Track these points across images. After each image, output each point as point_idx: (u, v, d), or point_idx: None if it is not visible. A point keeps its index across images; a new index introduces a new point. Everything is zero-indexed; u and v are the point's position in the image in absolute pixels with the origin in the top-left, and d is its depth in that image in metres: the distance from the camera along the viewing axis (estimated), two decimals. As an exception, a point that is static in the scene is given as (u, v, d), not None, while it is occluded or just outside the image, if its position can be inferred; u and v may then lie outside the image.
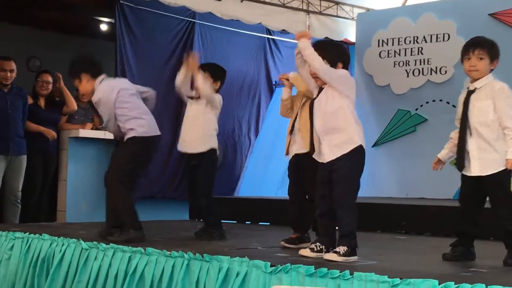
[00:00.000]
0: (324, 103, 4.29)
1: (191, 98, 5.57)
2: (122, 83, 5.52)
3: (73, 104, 7.80)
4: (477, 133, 4.18)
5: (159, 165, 8.54)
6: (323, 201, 4.28)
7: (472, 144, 4.19)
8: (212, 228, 5.47)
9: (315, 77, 4.33)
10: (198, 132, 5.49)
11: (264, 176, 9.58)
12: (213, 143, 5.52)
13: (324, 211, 4.28)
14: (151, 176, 8.44)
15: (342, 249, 4.10)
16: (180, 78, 5.54)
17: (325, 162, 4.28)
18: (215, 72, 5.65)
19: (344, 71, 4.36)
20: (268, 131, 9.61)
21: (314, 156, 4.48)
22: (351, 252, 4.11)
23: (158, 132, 5.42)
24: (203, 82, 5.43)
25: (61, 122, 7.84)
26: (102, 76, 5.38)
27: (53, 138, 7.58)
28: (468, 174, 4.23)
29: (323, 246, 4.25)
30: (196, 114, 5.51)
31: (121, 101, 5.28)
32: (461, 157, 4.25)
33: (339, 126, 4.24)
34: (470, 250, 4.30)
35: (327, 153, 4.26)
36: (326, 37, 4.56)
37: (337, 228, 4.30)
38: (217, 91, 5.64)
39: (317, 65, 4.24)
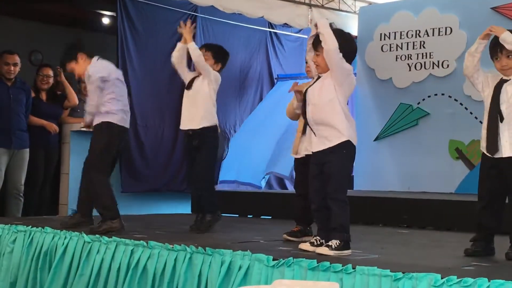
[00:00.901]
0: (317, 92, 4.26)
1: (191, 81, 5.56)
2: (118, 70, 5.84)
3: (74, 98, 7.80)
4: (508, 119, 4.12)
5: (163, 159, 8.56)
6: (317, 196, 4.27)
7: (504, 129, 4.13)
8: (206, 213, 5.46)
9: (316, 65, 4.31)
10: (198, 108, 5.49)
11: (247, 162, 9.55)
12: (214, 119, 5.53)
13: (319, 206, 4.27)
14: (155, 169, 8.46)
15: (334, 243, 4.09)
16: (175, 52, 5.61)
17: (314, 151, 4.27)
18: (217, 52, 5.66)
19: (350, 66, 4.33)
20: (258, 118, 9.59)
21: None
22: (343, 246, 4.10)
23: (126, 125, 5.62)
24: (195, 47, 5.46)
25: (63, 115, 7.85)
26: (97, 57, 5.64)
27: (55, 131, 7.59)
28: (498, 156, 4.14)
29: (323, 240, 4.25)
30: (195, 91, 5.53)
31: (116, 83, 5.55)
32: (493, 141, 4.14)
33: (328, 118, 4.21)
34: (490, 246, 4.26)
35: (316, 142, 4.26)
36: (331, 23, 4.42)
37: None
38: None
39: (331, 43, 4.15)
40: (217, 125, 5.57)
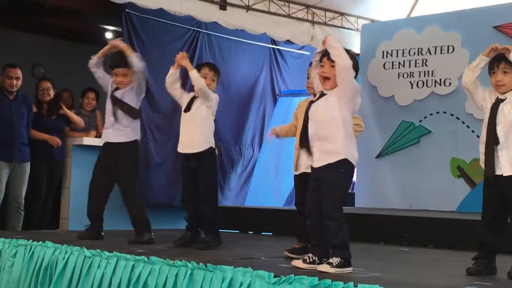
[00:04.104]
0: (321, 108, 4.26)
1: (191, 101, 5.57)
2: None
3: (80, 123, 7.84)
4: (505, 138, 4.15)
5: (163, 174, 8.54)
6: (313, 212, 4.25)
7: (502, 149, 4.15)
8: (210, 235, 5.45)
9: (326, 77, 4.28)
10: (197, 131, 5.49)
11: (271, 188, 9.59)
12: (211, 141, 5.54)
13: (315, 222, 4.25)
14: (154, 185, 8.44)
15: (335, 260, 4.07)
16: (168, 78, 5.65)
17: (315, 167, 4.26)
18: (216, 71, 5.66)
19: (359, 85, 4.34)
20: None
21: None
22: (344, 263, 4.08)
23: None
24: (197, 76, 5.45)
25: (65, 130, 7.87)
26: None
27: (57, 145, 7.59)
28: (498, 173, 4.16)
29: (316, 258, 4.23)
30: (193, 114, 5.53)
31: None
32: (491, 161, 4.17)
33: (328, 134, 4.21)
34: (492, 264, 4.25)
35: (317, 158, 4.25)
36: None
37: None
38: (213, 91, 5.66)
39: (346, 59, 4.17)
40: (214, 146, 5.57)
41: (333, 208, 4.16)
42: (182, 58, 5.54)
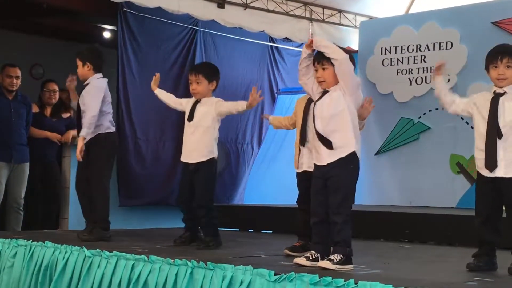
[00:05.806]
0: (326, 105, 4.26)
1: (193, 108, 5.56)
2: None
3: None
4: (506, 134, 4.13)
5: (163, 173, 8.53)
6: (320, 209, 4.25)
7: (500, 147, 4.14)
8: (209, 237, 5.44)
9: (321, 81, 4.30)
10: (199, 141, 5.45)
11: (269, 185, 9.58)
12: (214, 152, 5.50)
13: (321, 219, 4.25)
14: (155, 183, 8.44)
15: (336, 257, 4.08)
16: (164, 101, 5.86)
17: (324, 164, 4.23)
18: (209, 73, 5.57)
19: (359, 78, 4.36)
20: (271, 140, 9.64)
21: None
22: (346, 260, 4.09)
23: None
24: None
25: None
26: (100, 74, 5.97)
27: (60, 140, 7.56)
28: (493, 175, 4.16)
29: (319, 255, 4.23)
30: (197, 124, 5.48)
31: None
32: (492, 157, 4.17)
33: (337, 129, 4.21)
34: (492, 260, 4.24)
35: (325, 154, 4.23)
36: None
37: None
38: (213, 91, 5.61)
39: (341, 52, 4.20)
40: (216, 156, 5.53)
41: (342, 205, 4.16)
42: (256, 100, 5.52)
